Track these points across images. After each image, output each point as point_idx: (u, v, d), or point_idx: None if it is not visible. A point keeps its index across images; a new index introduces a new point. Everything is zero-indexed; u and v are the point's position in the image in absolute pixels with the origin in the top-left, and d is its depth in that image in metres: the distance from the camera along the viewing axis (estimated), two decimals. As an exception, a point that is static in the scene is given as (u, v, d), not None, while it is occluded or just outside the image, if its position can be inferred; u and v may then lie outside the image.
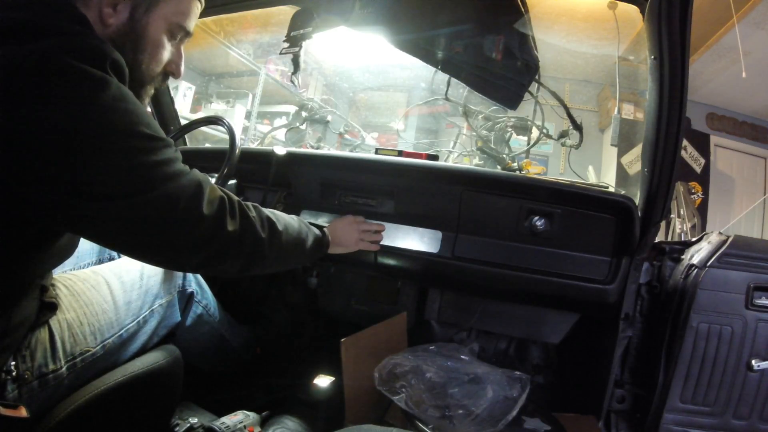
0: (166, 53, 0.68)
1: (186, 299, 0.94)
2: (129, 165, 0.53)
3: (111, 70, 0.53)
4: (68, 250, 0.68)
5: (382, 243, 1.08)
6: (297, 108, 2.55)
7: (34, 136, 0.48)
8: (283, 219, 0.80)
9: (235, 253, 0.67)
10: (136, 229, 0.56)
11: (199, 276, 0.98)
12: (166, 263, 0.67)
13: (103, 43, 0.54)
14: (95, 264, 0.95)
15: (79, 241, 0.72)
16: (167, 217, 0.57)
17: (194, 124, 1.25)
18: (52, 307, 0.68)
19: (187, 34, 0.70)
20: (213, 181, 1.05)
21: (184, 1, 0.67)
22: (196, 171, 0.62)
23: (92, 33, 0.56)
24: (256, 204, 0.74)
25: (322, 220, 1.03)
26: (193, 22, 0.70)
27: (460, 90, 1.60)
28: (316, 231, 0.91)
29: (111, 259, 0.98)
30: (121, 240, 0.58)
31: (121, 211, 0.53)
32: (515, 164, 1.59)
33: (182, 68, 0.73)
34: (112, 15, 0.61)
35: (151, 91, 0.70)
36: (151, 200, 0.54)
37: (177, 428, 0.87)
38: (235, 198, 0.68)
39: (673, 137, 0.88)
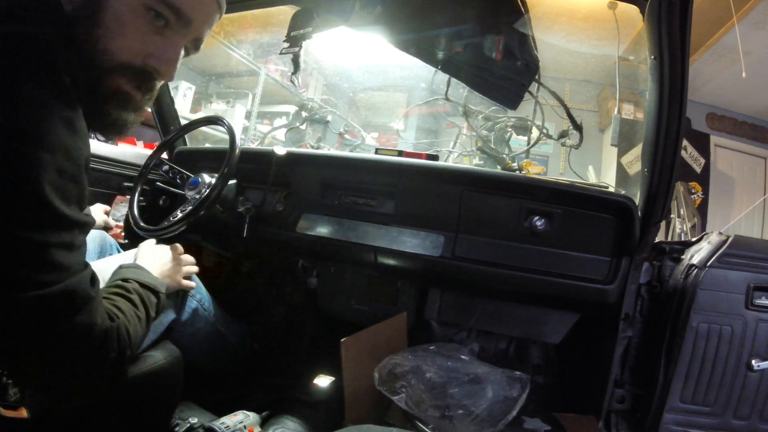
0: (139, 38, 0.52)
1: (180, 295, 0.96)
2: None
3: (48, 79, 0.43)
4: None
5: (383, 245, 1.08)
6: (297, 108, 2.55)
7: None
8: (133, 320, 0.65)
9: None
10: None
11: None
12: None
13: (49, 40, 0.43)
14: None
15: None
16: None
17: (194, 124, 1.25)
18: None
19: (179, 18, 0.53)
20: (213, 181, 1.06)
21: None
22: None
23: (47, 18, 0.45)
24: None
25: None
26: (187, 3, 0.53)
27: (460, 90, 1.60)
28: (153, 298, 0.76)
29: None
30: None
31: None
32: (515, 164, 1.59)
33: (171, 66, 0.55)
34: None
35: (124, 89, 0.53)
36: None
37: (177, 428, 0.87)
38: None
39: (673, 137, 0.88)
